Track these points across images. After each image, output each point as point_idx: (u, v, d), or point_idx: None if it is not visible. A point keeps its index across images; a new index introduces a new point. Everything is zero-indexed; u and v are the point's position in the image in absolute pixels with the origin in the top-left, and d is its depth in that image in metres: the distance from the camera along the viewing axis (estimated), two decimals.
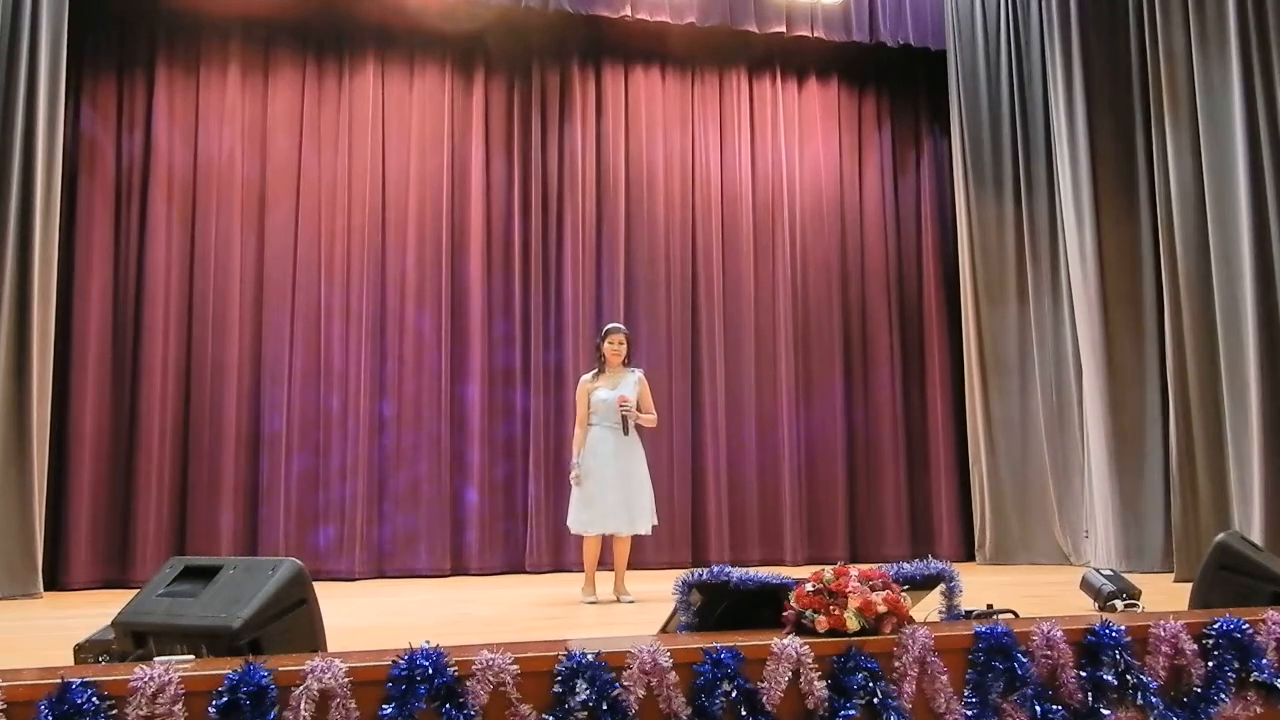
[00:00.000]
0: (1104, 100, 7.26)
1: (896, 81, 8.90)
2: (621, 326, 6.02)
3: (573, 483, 5.68)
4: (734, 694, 2.40)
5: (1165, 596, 4.62)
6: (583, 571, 5.81)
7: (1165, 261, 6.65)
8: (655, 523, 5.82)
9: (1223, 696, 2.77)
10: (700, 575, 2.85)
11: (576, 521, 5.68)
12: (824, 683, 2.47)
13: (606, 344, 5.76)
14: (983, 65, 8.31)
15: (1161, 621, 2.82)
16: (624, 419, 5.62)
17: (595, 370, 5.82)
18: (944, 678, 2.58)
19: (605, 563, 5.83)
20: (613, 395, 5.66)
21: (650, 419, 5.79)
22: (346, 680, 2.18)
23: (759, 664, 2.45)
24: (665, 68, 8.42)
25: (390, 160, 7.77)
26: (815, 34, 8.22)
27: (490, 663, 2.27)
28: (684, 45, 8.32)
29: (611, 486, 5.59)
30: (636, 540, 5.85)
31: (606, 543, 5.82)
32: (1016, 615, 3.10)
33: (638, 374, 5.80)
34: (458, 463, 7.60)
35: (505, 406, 7.79)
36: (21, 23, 6.38)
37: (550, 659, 2.34)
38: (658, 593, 5.10)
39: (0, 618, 5.16)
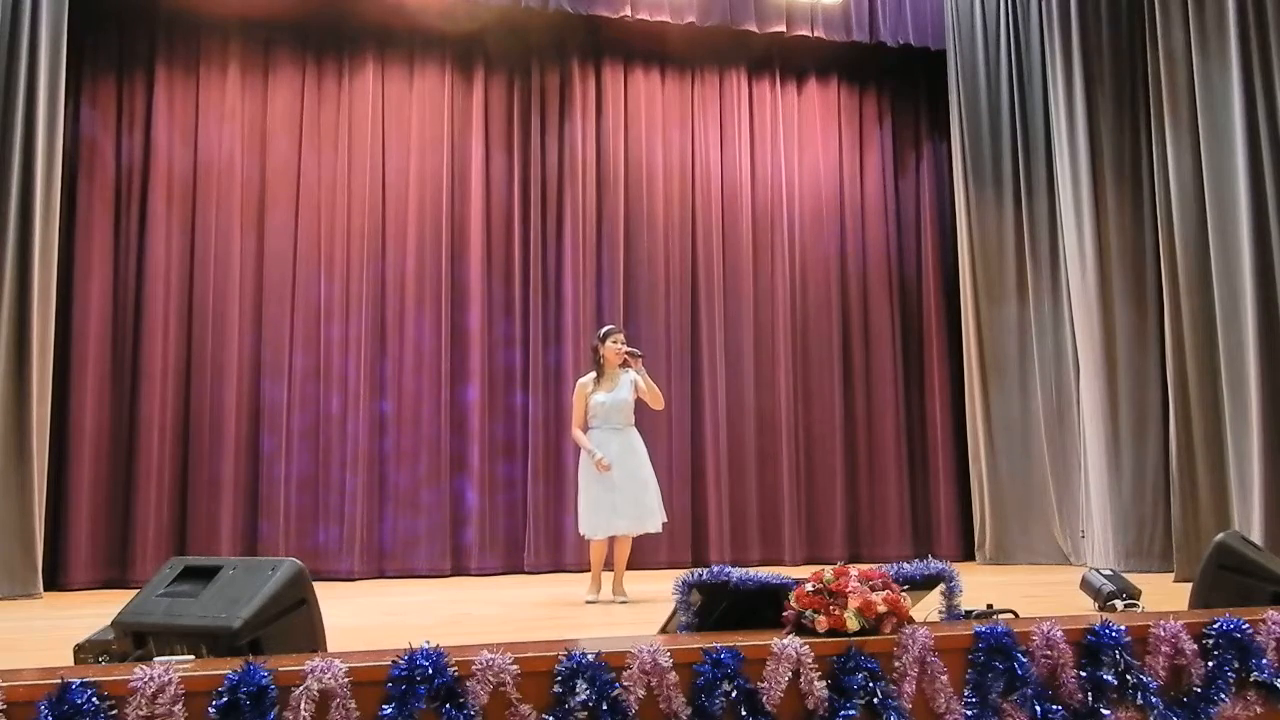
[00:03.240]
0: (1104, 100, 7.26)
1: (896, 81, 8.90)
2: (619, 327, 6.04)
3: (600, 469, 5.55)
4: (734, 694, 2.40)
5: (1165, 596, 4.62)
6: (586, 571, 5.81)
7: (1165, 261, 6.65)
8: (665, 519, 5.83)
9: (1223, 696, 2.77)
10: (700, 575, 2.85)
11: (590, 526, 5.64)
12: (824, 683, 2.47)
13: (610, 343, 5.73)
14: (983, 65, 8.31)
15: (1161, 621, 2.82)
16: (630, 356, 5.68)
17: (594, 374, 5.80)
18: (944, 678, 2.58)
19: (606, 563, 5.82)
20: (612, 398, 5.67)
21: (658, 397, 5.79)
22: (346, 680, 2.18)
23: (759, 664, 2.45)
24: (665, 68, 8.41)
25: (390, 160, 7.77)
26: (815, 34, 8.21)
27: (490, 663, 2.27)
28: (684, 45, 8.31)
29: (619, 487, 5.58)
30: (636, 540, 5.84)
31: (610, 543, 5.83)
32: (1016, 615, 3.10)
33: (631, 374, 5.78)
34: (458, 463, 7.60)
35: (505, 406, 7.79)
36: (21, 22, 6.38)
37: (550, 659, 2.34)
38: (658, 593, 5.11)
39: (0, 618, 5.16)
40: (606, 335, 5.78)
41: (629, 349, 5.76)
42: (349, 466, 7.36)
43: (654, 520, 5.69)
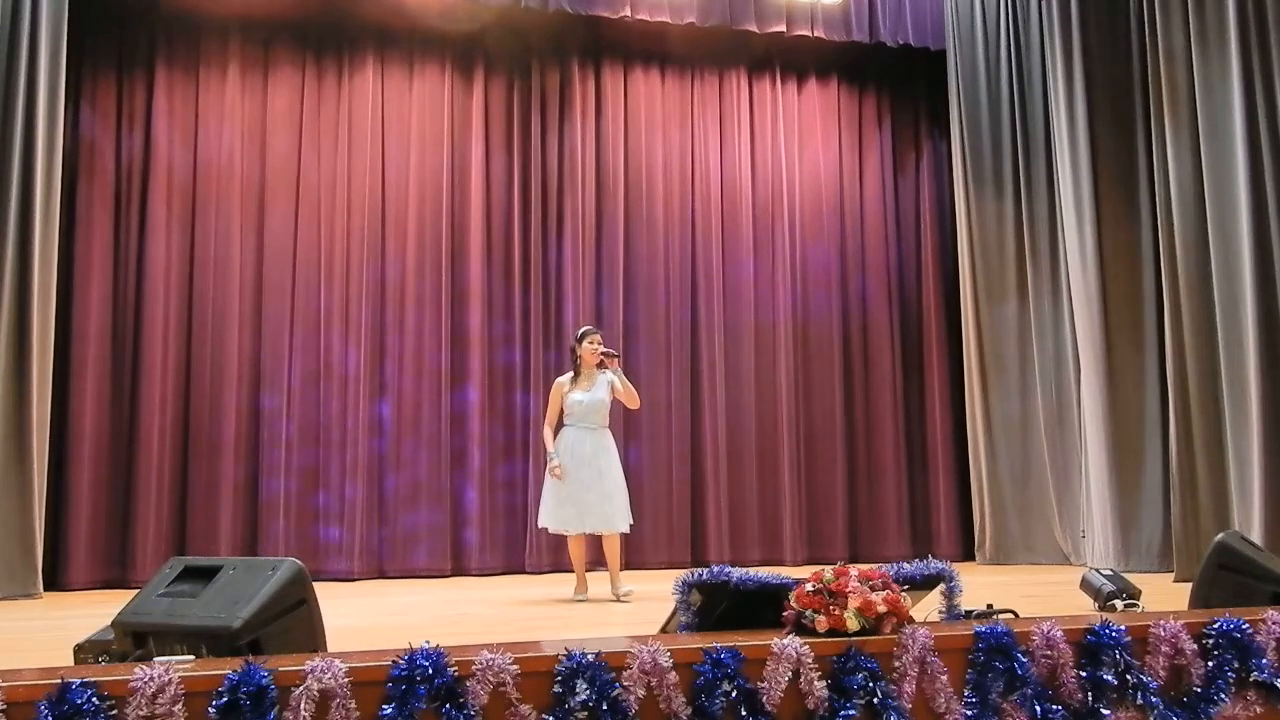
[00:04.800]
0: (1104, 100, 7.26)
1: (896, 81, 8.90)
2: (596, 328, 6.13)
3: (551, 476, 5.69)
4: (734, 694, 2.40)
5: (1165, 596, 4.62)
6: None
7: (1165, 261, 6.65)
8: (632, 521, 5.88)
9: (1223, 696, 2.77)
10: (700, 575, 2.85)
11: (555, 519, 5.72)
12: (824, 683, 2.47)
13: (587, 343, 5.82)
14: (983, 65, 8.31)
15: (1161, 621, 2.82)
16: (605, 357, 5.76)
17: (571, 373, 5.88)
18: (944, 678, 2.58)
19: (600, 564, 5.83)
20: (588, 397, 5.74)
21: (634, 397, 5.89)
22: (346, 680, 2.18)
23: (759, 664, 2.45)
24: (665, 68, 8.41)
25: (390, 160, 7.77)
26: (815, 34, 8.21)
27: (490, 663, 2.27)
28: (684, 45, 8.31)
29: (588, 486, 5.66)
30: (635, 540, 5.86)
31: (594, 542, 5.86)
32: (1016, 615, 3.10)
33: (608, 374, 5.84)
34: (458, 463, 7.60)
35: (505, 406, 7.79)
36: (21, 23, 6.38)
37: (550, 659, 2.34)
38: (657, 593, 5.11)
39: (0, 618, 5.16)
40: (584, 336, 5.86)
41: (605, 350, 5.83)
42: (349, 466, 7.36)
43: (622, 522, 5.75)
